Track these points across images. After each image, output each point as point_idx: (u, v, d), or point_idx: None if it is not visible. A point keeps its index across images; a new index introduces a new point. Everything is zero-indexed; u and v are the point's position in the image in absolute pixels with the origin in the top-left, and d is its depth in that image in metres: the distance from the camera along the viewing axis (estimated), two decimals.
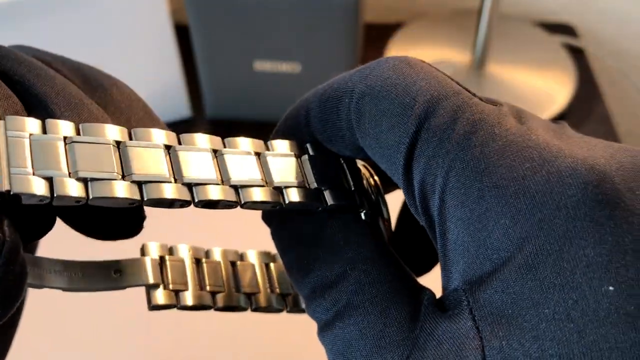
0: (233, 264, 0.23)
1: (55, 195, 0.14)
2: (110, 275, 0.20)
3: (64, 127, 0.16)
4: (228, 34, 0.54)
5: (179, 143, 0.17)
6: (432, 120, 0.16)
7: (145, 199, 0.15)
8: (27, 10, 0.49)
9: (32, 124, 0.15)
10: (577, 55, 0.67)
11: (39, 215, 0.17)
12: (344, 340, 0.16)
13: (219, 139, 0.18)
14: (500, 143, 0.15)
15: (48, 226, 0.17)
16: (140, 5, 0.52)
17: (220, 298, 0.21)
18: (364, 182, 0.20)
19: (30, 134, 0.15)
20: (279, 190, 0.17)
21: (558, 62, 0.64)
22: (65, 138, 0.15)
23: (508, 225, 0.14)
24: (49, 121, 0.16)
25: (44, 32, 0.51)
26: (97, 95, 0.19)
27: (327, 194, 0.18)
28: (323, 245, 0.17)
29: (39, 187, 0.14)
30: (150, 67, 0.56)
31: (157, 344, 0.39)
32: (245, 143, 0.18)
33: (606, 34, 0.72)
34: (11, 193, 0.14)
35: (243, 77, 0.58)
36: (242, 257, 0.23)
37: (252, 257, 0.23)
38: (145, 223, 0.19)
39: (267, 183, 0.17)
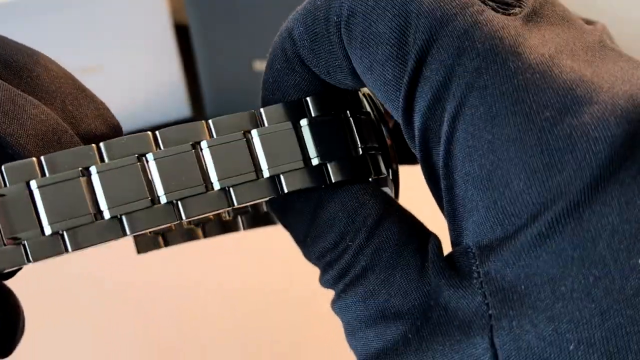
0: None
1: (32, 259, 0.13)
2: None
3: (26, 169, 0.14)
4: (228, 34, 0.54)
5: (156, 144, 0.15)
6: (435, 53, 0.13)
7: (128, 234, 0.14)
8: (27, 10, 0.49)
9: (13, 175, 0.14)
10: None
11: None
12: (350, 312, 0.15)
13: (201, 125, 0.16)
14: (515, 82, 0.12)
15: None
16: (140, 5, 0.52)
17: (212, 223, 0.21)
18: (374, 126, 0.17)
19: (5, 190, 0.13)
20: (274, 179, 0.15)
21: None
22: (29, 184, 0.14)
23: (522, 188, 0.12)
24: (9, 168, 0.14)
25: (44, 32, 0.51)
26: (23, 82, 0.17)
27: (331, 169, 0.16)
28: (323, 220, 0.16)
29: (16, 259, 0.13)
30: (150, 67, 0.56)
31: (156, 342, 0.39)
32: (232, 123, 0.16)
33: None
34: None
35: (243, 77, 0.57)
36: None
37: None
38: None
39: (258, 174, 0.15)
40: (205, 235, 0.21)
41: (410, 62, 0.13)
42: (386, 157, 0.17)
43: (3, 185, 0.13)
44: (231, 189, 0.15)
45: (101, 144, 0.14)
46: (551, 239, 0.12)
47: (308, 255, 0.17)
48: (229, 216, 0.21)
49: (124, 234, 0.14)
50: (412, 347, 0.14)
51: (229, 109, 0.61)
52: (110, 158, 0.14)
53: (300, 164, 0.16)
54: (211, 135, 0.15)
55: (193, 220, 0.16)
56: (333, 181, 0.16)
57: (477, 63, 0.13)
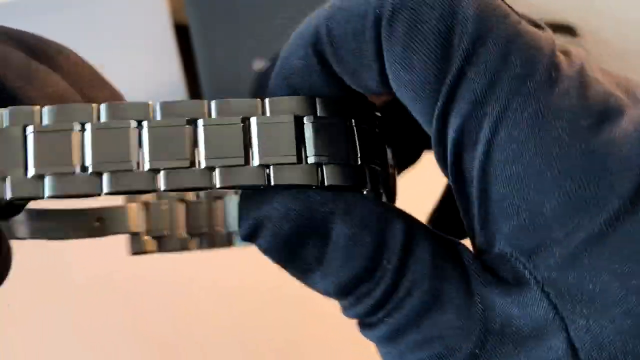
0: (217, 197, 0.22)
1: (11, 196, 0.14)
2: (91, 224, 0.20)
3: (29, 112, 0.15)
4: (228, 34, 0.54)
5: (153, 117, 0.15)
6: (481, 56, 0.13)
7: (103, 192, 0.14)
8: (27, 10, 0.49)
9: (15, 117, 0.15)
10: None
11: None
12: (397, 339, 0.14)
13: (202, 104, 0.15)
14: (560, 89, 0.13)
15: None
16: (140, 5, 0.52)
17: (205, 238, 0.21)
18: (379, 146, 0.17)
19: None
20: (262, 169, 0.15)
21: None
22: (25, 127, 0.14)
23: (572, 189, 0.12)
24: (12, 110, 0.15)
25: (44, 32, 0.51)
26: (43, 62, 0.18)
27: (326, 171, 0.15)
28: (342, 244, 0.14)
29: None
30: (150, 67, 0.56)
31: (154, 340, 0.39)
32: (235, 108, 0.15)
33: (606, 34, 0.72)
34: None
35: (243, 77, 0.57)
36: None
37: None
38: None
39: (247, 160, 0.15)
40: (200, 247, 0.21)
41: (455, 63, 0.13)
42: (385, 178, 0.17)
43: (3, 125, 0.14)
44: (217, 169, 0.15)
45: (102, 105, 0.15)
46: (612, 237, 0.12)
47: (323, 287, 0.15)
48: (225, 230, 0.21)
49: (101, 191, 0.14)
50: None
51: None
52: (107, 118, 0.15)
53: (293, 159, 0.15)
54: (210, 116, 0.15)
55: (173, 193, 0.15)
56: (327, 184, 0.15)
57: (521, 70, 0.13)
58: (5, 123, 0.15)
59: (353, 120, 0.16)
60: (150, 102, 0.15)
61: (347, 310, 0.15)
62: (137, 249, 0.19)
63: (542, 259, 0.13)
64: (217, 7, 0.53)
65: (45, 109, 0.15)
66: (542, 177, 0.13)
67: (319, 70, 0.16)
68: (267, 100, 0.16)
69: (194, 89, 0.61)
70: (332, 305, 0.16)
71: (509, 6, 0.15)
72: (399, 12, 0.14)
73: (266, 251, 0.15)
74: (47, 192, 0.14)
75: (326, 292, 0.15)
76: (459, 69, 0.13)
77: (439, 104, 0.14)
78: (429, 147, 0.19)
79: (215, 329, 0.41)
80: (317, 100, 0.16)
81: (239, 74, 0.57)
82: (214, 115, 0.15)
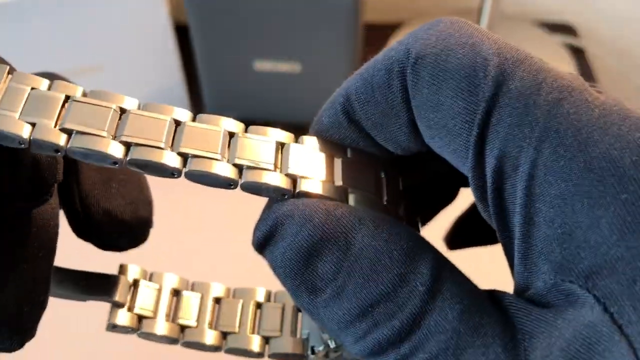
0: (218, 300, 0.21)
1: (32, 137, 0.14)
2: (77, 284, 0.19)
3: (72, 89, 0.15)
4: (228, 34, 0.54)
5: (193, 119, 0.16)
6: (512, 83, 0.13)
7: (129, 157, 0.14)
8: (27, 10, 0.49)
9: (40, 82, 0.15)
10: (578, 55, 0.67)
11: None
12: None
13: (241, 125, 0.16)
14: (597, 112, 0.13)
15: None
16: (140, 5, 0.52)
17: (188, 332, 0.20)
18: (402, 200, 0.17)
19: (33, 88, 0.15)
20: (291, 178, 0.15)
21: (558, 62, 0.64)
22: (68, 97, 0.15)
23: (632, 201, 0.12)
24: (57, 82, 0.15)
25: (44, 32, 0.51)
26: None
27: (351, 196, 0.15)
28: (360, 264, 0.13)
29: (18, 129, 0.14)
30: (150, 67, 0.56)
31: None
32: (270, 132, 0.16)
33: (606, 34, 0.72)
34: None
35: (243, 77, 0.57)
36: (234, 294, 0.21)
37: (244, 294, 0.21)
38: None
39: (279, 169, 0.15)
40: (184, 343, 0.20)
41: (486, 92, 0.13)
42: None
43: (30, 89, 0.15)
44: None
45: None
46: None
47: (332, 311, 0.13)
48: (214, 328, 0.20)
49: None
50: None
51: (228, 109, 0.61)
52: (145, 110, 0.15)
53: (322, 178, 0.15)
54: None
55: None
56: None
57: (556, 94, 0.13)
58: (44, 88, 0.15)
59: (380, 169, 0.16)
60: (184, 110, 0.16)
61: (357, 343, 0.13)
62: (113, 321, 0.19)
63: (603, 277, 0.12)
64: (217, 7, 0.53)
65: (89, 90, 0.15)
66: (595, 192, 0.12)
67: (347, 126, 0.16)
68: (303, 137, 0.16)
69: (194, 89, 0.61)
70: None
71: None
72: (423, 58, 0.14)
73: (277, 262, 0.14)
74: (71, 143, 0.14)
75: (333, 319, 0.13)
76: (491, 98, 0.13)
77: (473, 133, 0.13)
78: (460, 186, 0.19)
79: None
80: (348, 149, 0.16)
81: (239, 74, 0.57)
82: (247, 134, 0.16)
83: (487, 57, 0.13)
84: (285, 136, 0.16)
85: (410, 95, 0.14)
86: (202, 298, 0.21)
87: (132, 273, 0.20)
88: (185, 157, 0.15)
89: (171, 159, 0.15)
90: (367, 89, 0.15)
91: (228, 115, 0.16)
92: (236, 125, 0.16)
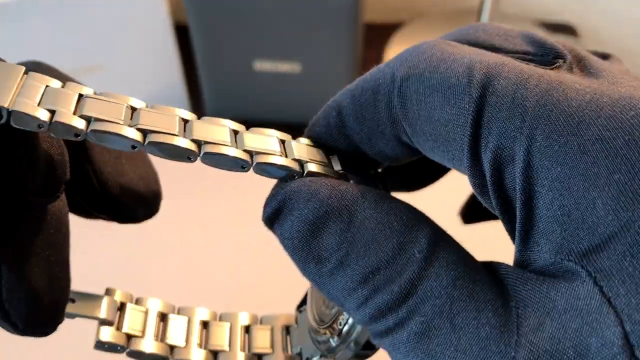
0: (205, 323, 0.21)
1: (53, 120, 0.14)
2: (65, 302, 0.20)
3: (84, 89, 0.16)
4: (228, 34, 0.54)
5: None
6: (498, 82, 0.14)
7: (147, 141, 0.15)
8: (27, 10, 0.49)
9: (53, 82, 0.16)
10: None
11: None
12: (431, 345, 0.13)
13: (242, 125, 0.17)
14: (588, 97, 0.13)
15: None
16: (140, 5, 0.52)
17: (177, 351, 0.20)
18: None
19: (47, 86, 0.16)
20: (298, 162, 0.16)
21: None
22: (81, 95, 0.16)
23: (625, 180, 0.12)
24: (70, 83, 0.16)
25: (44, 32, 0.51)
26: None
27: (352, 179, 0.16)
28: (363, 234, 0.14)
29: (39, 113, 0.14)
30: (150, 67, 0.56)
31: None
32: (270, 131, 0.17)
33: (606, 34, 0.72)
34: (9, 110, 0.14)
35: (243, 77, 0.57)
36: (220, 317, 0.22)
37: (230, 318, 0.21)
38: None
39: (285, 155, 0.16)
40: None
41: (474, 94, 0.14)
42: None
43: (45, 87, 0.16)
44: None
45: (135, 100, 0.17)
46: None
47: (337, 281, 0.14)
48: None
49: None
50: None
51: (228, 109, 0.61)
52: (154, 108, 0.16)
53: (325, 162, 0.17)
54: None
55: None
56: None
57: (544, 86, 0.13)
58: (58, 86, 0.16)
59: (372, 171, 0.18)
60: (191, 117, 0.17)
61: (359, 309, 0.14)
62: (101, 338, 0.19)
63: (597, 254, 0.12)
64: (217, 7, 0.53)
65: (100, 92, 0.16)
66: (591, 172, 0.12)
67: (337, 138, 0.17)
68: (299, 138, 0.17)
69: (194, 89, 0.61)
70: None
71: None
72: (408, 80, 0.15)
73: (285, 235, 0.15)
74: (90, 127, 0.15)
75: (338, 287, 0.14)
76: (479, 98, 0.14)
77: (467, 134, 0.14)
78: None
79: None
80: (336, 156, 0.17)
81: (239, 74, 0.57)
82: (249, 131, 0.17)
83: (470, 65, 0.14)
84: (284, 135, 0.17)
85: (399, 113, 0.15)
86: (189, 321, 0.21)
87: (118, 296, 0.21)
88: (198, 143, 0.16)
89: (186, 143, 0.15)
90: (356, 107, 0.16)
91: (227, 116, 0.17)
92: (238, 126, 0.17)
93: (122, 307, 0.20)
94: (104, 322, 0.20)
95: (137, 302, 0.21)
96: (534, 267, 0.14)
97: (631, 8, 0.70)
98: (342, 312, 0.17)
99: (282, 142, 0.17)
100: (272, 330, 0.21)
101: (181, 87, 0.59)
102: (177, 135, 0.15)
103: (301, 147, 0.17)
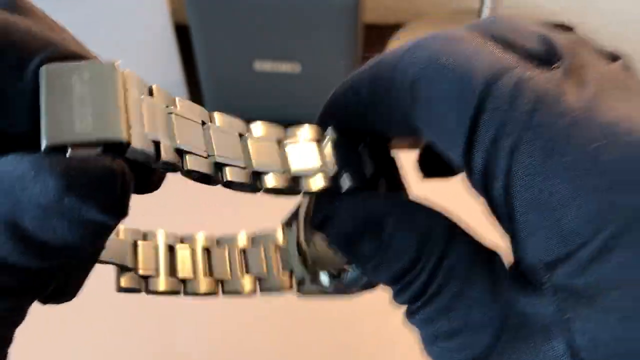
0: (208, 250, 0.23)
1: (162, 160, 0.15)
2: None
3: (170, 100, 0.17)
4: (228, 34, 0.54)
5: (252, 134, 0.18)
6: (491, 102, 0.15)
7: (225, 180, 0.16)
8: None
9: (145, 87, 0.17)
10: None
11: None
12: (430, 325, 0.17)
13: (241, 122, 0.18)
14: (566, 120, 0.15)
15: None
16: (140, 5, 0.52)
17: (189, 284, 0.22)
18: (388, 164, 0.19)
19: (143, 96, 0.16)
20: (257, 175, 0.17)
21: None
22: (167, 106, 0.16)
23: (581, 206, 0.14)
24: (154, 86, 0.17)
25: None
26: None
27: (344, 177, 0.17)
28: (395, 244, 0.17)
29: (150, 149, 0.15)
30: (150, 67, 0.57)
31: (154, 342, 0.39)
32: (265, 129, 0.18)
33: (606, 34, 0.72)
34: (130, 146, 0.15)
35: (243, 77, 0.58)
36: (218, 242, 0.23)
37: (228, 241, 0.23)
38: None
39: (286, 171, 0.17)
40: (188, 293, 0.22)
41: (470, 112, 0.15)
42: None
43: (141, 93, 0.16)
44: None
45: (216, 113, 0.17)
46: (615, 250, 0.13)
47: (377, 276, 0.17)
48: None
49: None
50: (495, 353, 0.16)
51: (228, 108, 0.61)
52: (221, 124, 0.17)
53: (319, 170, 0.17)
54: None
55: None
56: (344, 190, 0.17)
57: (529, 106, 0.15)
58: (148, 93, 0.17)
59: (362, 144, 0.18)
60: (236, 119, 0.18)
61: (395, 298, 0.17)
62: (123, 285, 0.20)
63: (559, 268, 0.14)
64: (217, 7, 0.53)
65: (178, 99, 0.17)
66: (555, 198, 0.14)
67: (355, 114, 0.18)
68: (291, 128, 0.18)
69: (194, 89, 0.61)
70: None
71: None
72: (418, 80, 0.16)
73: (332, 242, 0.18)
74: (185, 165, 0.15)
75: (380, 280, 0.17)
76: (475, 115, 0.15)
77: (462, 145, 0.15)
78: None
79: (214, 332, 0.41)
80: (329, 128, 0.18)
81: (239, 74, 0.57)
82: (251, 134, 0.18)
83: (472, 78, 0.16)
84: (278, 132, 0.18)
85: (409, 111, 0.17)
86: (192, 252, 0.22)
87: (130, 235, 0.22)
88: (258, 174, 0.17)
89: (251, 177, 0.17)
90: (373, 91, 0.17)
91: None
92: (243, 128, 0.18)
93: (135, 247, 0.21)
94: (124, 269, 0.21)
95: (144, 237, 0.22)
96: (524, 266, 0.15)
97: (631, 8, 0.70)
98: None
99: (278, 143, 0.18)
100: (265, 250, 0.22)
101: (181, 87, 0.59)
102: (245, 168, 0.17)
103: (298, 152, 0.18)
